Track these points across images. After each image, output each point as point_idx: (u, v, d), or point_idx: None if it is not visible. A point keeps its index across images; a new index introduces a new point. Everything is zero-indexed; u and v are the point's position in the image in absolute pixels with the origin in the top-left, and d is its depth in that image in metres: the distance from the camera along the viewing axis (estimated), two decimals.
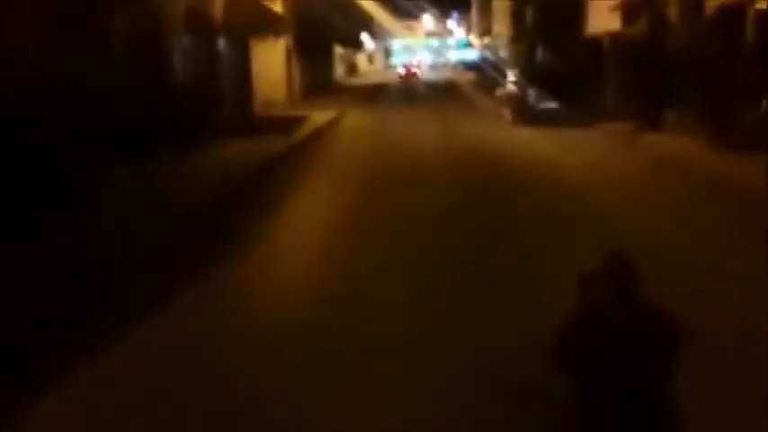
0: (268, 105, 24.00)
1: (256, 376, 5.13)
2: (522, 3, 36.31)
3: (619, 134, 17.39)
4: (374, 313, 6.31)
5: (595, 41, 22.15)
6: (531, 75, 24.47)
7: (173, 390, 4.94)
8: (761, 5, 13.47)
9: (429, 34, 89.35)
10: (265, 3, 23.34)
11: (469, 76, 49.74)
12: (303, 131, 19.36)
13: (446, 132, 20.17)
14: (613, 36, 20.95)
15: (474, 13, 74.21)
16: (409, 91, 42.19)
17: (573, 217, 9.50)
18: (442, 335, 5.82)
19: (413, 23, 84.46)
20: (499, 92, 26.56)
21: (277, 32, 24.55)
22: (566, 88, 20.81)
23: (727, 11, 14.54)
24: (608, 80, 21.10)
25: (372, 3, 55.17)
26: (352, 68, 61.36)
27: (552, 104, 20.68)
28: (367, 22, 59.14)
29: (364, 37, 60.98)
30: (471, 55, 60.31)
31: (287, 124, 19.85)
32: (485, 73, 39.24)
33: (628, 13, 20.01)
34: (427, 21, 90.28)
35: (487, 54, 52.59)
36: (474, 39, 72.42)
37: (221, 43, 18.44)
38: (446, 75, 61.30)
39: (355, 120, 24.68)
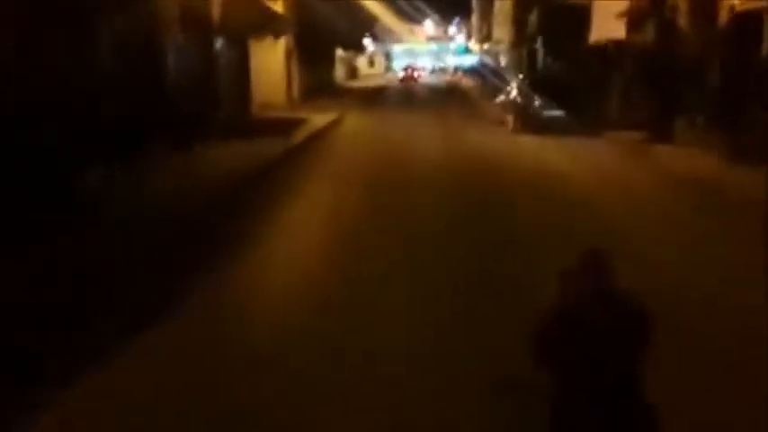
0: (266, 107, 23.48)
1: (259, 383, 5.08)
2: (525, 9, 36.10)
3: (626, 144, 16.95)
4: (376, 319, 6.25)
5: (600, 48, 21.80)
6: (533, 81, 24.13)
7: (175, 396, 4.88)
8: None
9: (430, 39, 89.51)
10: (265, 2, 22.87)
11: (469, 81, 49.64)
12: (302, 134, 18.93)
13: (447, 138, 19.77)
14: (619, 43, 20.57)
15: (475, 19, 74.29)
16: (409, 95, 41.92)
17: (581, 231, 8.98)
18: (445, 341, 5.76)
19: (415, 27, 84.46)
20: (500, 98, 26.10)
21: (277, 32, 24.17)
22: (570, 96, 20.47)
23: (741, 18, 14.15)
24: (613, 88, 20.69)
25: (377, 4, 54.96)
26: (353, 71, 61.19)
27: (557, 112, 20.26)
28: (370, 25, 58.93)
29: (366, 40, 60.82)
30: (470, 60, 61.15)
31: (285, 127, 19.38)
32: (485, 78, 39.02)
33: (634, 20, 19.64)
34: (429, 26, 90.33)
35: (487, 59, 52.63)
36: (474, 44, 72.67)
37: (219, 43, 18.03)
38: (446, 79, 62.38)
39: (355, 123, 24.29)
